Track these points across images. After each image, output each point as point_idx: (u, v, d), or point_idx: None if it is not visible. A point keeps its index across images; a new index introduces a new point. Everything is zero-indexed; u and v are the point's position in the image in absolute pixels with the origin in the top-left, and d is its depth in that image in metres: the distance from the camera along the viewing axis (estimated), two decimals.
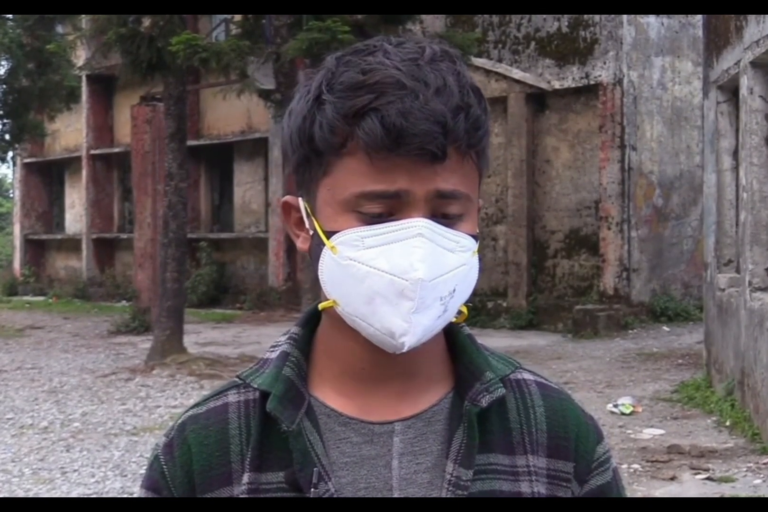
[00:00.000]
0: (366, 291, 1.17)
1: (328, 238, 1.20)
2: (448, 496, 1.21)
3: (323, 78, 1.20)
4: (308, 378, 1.28)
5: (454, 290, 1.19)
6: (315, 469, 1.21)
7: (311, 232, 1.24)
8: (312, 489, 1.20)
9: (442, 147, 1.15)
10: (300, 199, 1.26)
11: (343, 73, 1.18)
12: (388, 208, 1.17)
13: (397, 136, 1.14)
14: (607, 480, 1.31)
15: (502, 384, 1.26)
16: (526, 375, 1.33)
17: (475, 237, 1.23)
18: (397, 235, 1.16)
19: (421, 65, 1.17)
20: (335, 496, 1.21)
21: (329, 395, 1.27)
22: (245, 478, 1.23)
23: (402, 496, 1.23)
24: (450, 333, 1.30)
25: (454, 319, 1.27)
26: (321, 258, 1.21)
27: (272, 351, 1.31)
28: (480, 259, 1.25)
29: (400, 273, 1.15)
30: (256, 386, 1.26)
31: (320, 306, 1.25)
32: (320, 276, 1.21)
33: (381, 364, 1.25)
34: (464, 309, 1.26)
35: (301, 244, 1.27)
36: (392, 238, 1.16)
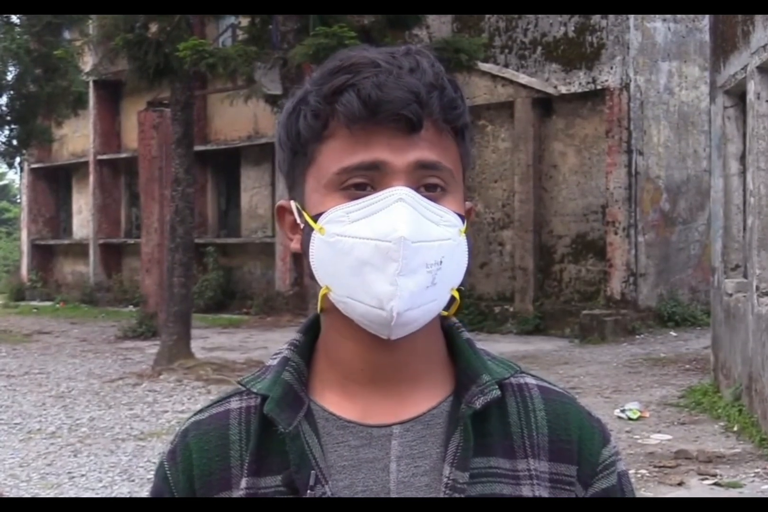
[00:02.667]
0: (354, 262, 1.18)
1: (315, 221, 1.22)
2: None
3: (307, 82, 1.26)
4: (309, 384, 1.29)
5: (441, 262, 1.20)
6: (312, 472, 1.21)
7: (302, 226, 1.26)
8: (309, 492, 1.20)
9: (417, 114, 1.19)
10: (292, 201, 1.28)
11: (322, 68, 1.24)
12: (370, 181, 1.20)
13: (374, 105, 1.18)
14: (612, 484, 1.30)
15: (497, 387, 1.26)
16: (529, 380, 1.32)
17: (461, 216, 1.24)
18: (379, 204, 1.18)
19: (396, 56, 1.23)
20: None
21: (329, 399, 1.27)
22: (243, 483, 1.24)
23: None
24: (449, 337, 1.31)
25: (445, 313, 1.27)
26: (311, 245, 1.23)
27: (274, 358, 1.32)
28: (469, 241, 1.26)
29: (383, 237, 1.17)
30: (255, 391, 1.28)
31: (318, 299, 1.26)
32: (312, 264, 1.23)
33: (377, 364, 1.25)
34: (456, 295, 1.25)
35: (295, 244, 1.29)
36: (375, 208, 1.18)
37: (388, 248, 1.16)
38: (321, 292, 1.23)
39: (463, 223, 1.24)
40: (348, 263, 1.19)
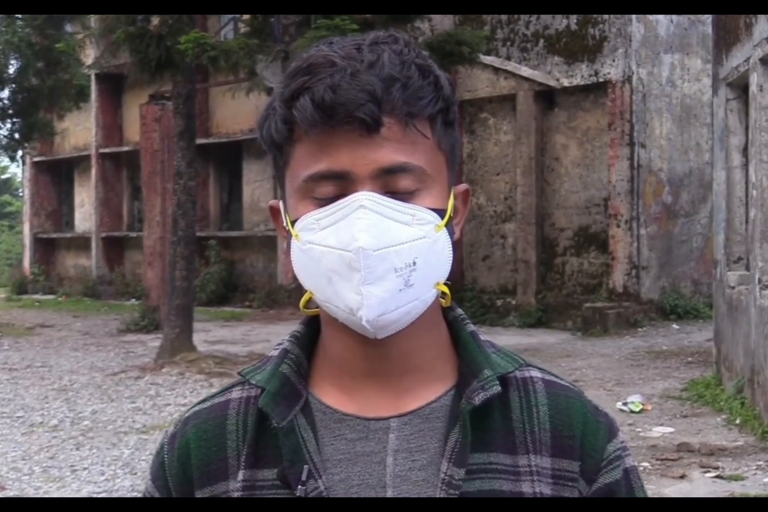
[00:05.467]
0: (324, 271, 1.18)
1: (293, 226, 1.22)
2: (441, 495, 1.20)
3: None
4: (309, 376, 1.29)
5: (414, 263, 1.17)
6: (305, 467, 1.21)
7: (287, 229, 1.25)
8: (300, 487, 1.20)
9: (372, 114, 1.15)
10: (280, 201, 1.28)
11: (288, 69, 1.22)
12: (339, 189, 1.18)
13: (326, 109, 1.15)
14: (615, 479, 1.27)
15: (498, 382, 1.24)
16: (534, 373, 1.30)
17: (439, 211, 1.21)
18: (343, 211, 1.17)
19: (361, 47, 1.19)
20: (324, 493, 1.20)
21: (328, 392, 1.27)
22: (240, 475, 1.24)
23: (395, 493, 1.22)
24: (454, 330, 1.30)
25: (442, 301, 1.26)
26: (291, 250, 1.22)
27: (275, 349, 1.32)
28: (452, 234, 1.23)
29: (344, 246, 1.16)
30: (254, 382, 1.27)
31: (301, 302, 1.27)
32: (294, 268, 1.23)
33: (373, 357, 1.24)
34: (446, 289, 1.24)
35: (286, 244, 1.28)
36: (340, 215, 1.17)
37: (350, 258, 1.15)
38: (306, 296, 1.24)
39: (443, 217, 1.21)
40: (320, 271, 1.19)
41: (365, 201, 1.16)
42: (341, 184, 1.17)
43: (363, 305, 1.16)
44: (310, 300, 1.25)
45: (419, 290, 1.19)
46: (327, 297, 1.19)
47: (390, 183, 1.18)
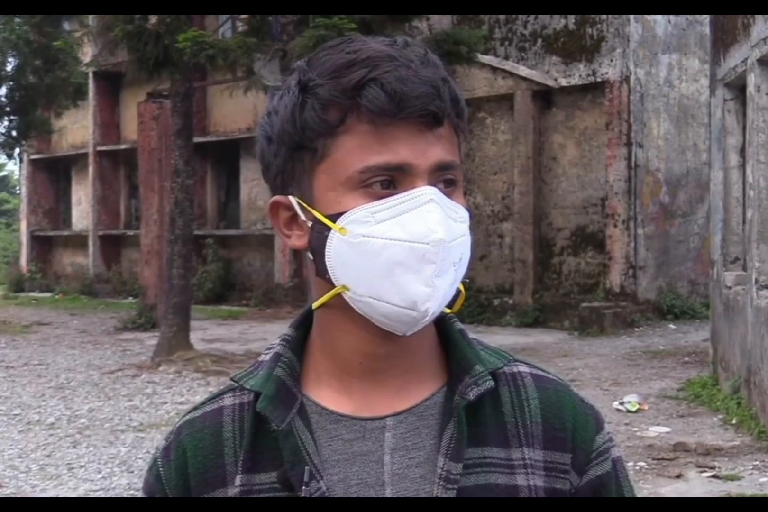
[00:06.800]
0: (384, 264, 1.17)
1: (333, 221, 1.20)
2: (439, 490, 1.21)
3: (302, 73, 1.22)
4: (302, 379, 1.29)
5: (461, 258, 1.21)
6: (306, 468, 1.21)
7: (309, 224, 1.23)
8: (303, 488, 1.20)
9: (441, 109, 1.18)
10: (290, 196, 1.25)
11: (326, 61, 1.20)
12: (392, 180, 1.18)
13: (400, 100, 1.16)
14: (606, 471, 1.29)
15: (491, 377, 1.25)
16: (522, 368, 1.32)
17: (469, 210, 1.25)
18: (408, 204, 1.17)
19: (399, 47, 1.21)
20: (327, 494, 1.21)
21: (323, 394, 1.27)
22: (238, 480, 1.24)
23: (394, 491, 1.22)
24: (442, 328, 1.31)
25: (447, 310, 1.27)
26: (327, 245, 1.20)
27: (266, 353, 1.32)
28: (472, 234, 1.26)
29: (419, 239, 1.16)
30: (248, 387, 1.27)
31: (324, 297, 1.24)
32: (328, 264, 1.21)
33: (378, 357, 1.25)
34: (462, 288, 1.26)
35: (297, 241, 1.26)
36: (404, 208, 1.17)
37: (425, 250, 1.16)
38: (334, 291, 1.21)
39: (471, 217, 1.25)
40: (376, 264, 1.18)
41: (434, 195, 1.18)
42: (396, 175, 1.18)
43: (432, 297, 1.17)
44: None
45: (456, 285, 1.23)
46: (376, 292, 1.18)
47: (440, 176, 1.21)
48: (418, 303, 1.17)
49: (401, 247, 1.16)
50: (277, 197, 1.27)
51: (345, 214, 1.18)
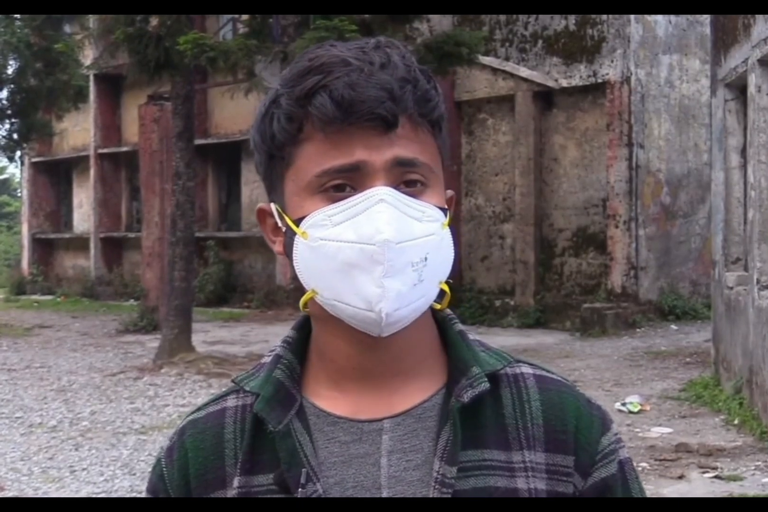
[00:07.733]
0: (339, 266, 1.18)
1: (297, 225, 1.21)
2: (435, 494, 1.20)
3: (278, 83, 1.24)
4: (302, 381, 1.29)
5: (426, 258, 1.19)
6: (303, 470, 1.21)
7: (284, 229, 1.25)
8: (300, 490, 1.20)
9: (392, 111, 1.17)
10: (272, 203, 1.27)
11: (291, 69, 1.23)
12: (350, 182, 1.19)
13: (347, 106, 1.16)
14: (611, 473, 1.27)
15: (486, 379, 1.24)
16: (525, 369, 1.31)
17: (443, 210, 1.23)
18: (360, 206, 1.18)
19: (366, 50, 1.21)
20: (323, 496, 1.21)
21: (322, 396, 1.27)
22: (236, 482, 1.25)
23: (390, 494, 1.22)
24: (443, 330, 1.31)
25: (438, 306, 1.27)
26: (294, 250, 1.22)
27: (268, 355, 1.32)
28: (454, 234, 1.25)
29: (367, 240, 1.16)
30: (248, 389, 1.28)
31: (300, 302, 1.26)
32: (296, 268, 1.23)
33: (370, 360, 1.25)
34: (446, 288, 1.25)
35: (278, 246, 1.28)
36: (357, 209, 1.18)
37: (373, 251, 1.16)
38: (306, 296, 1.23)
39: (446, 215, 1.24)
40: (334, 267, 1.18)
41: (385, 195, 1.17)
42: (354, 177, 1.19)
43: (384, 297, 1.16)
44: (309, 301, 1.25)
45: (427, 287, 1.21)
46: (337, 294, 1.19)
47: (401, 175, 1.20)
48: (372, 304, 1.17)
49: (352, 249, 1.17)
50: (261, 204, 1.31)
51: (306, 218, 1.20)
